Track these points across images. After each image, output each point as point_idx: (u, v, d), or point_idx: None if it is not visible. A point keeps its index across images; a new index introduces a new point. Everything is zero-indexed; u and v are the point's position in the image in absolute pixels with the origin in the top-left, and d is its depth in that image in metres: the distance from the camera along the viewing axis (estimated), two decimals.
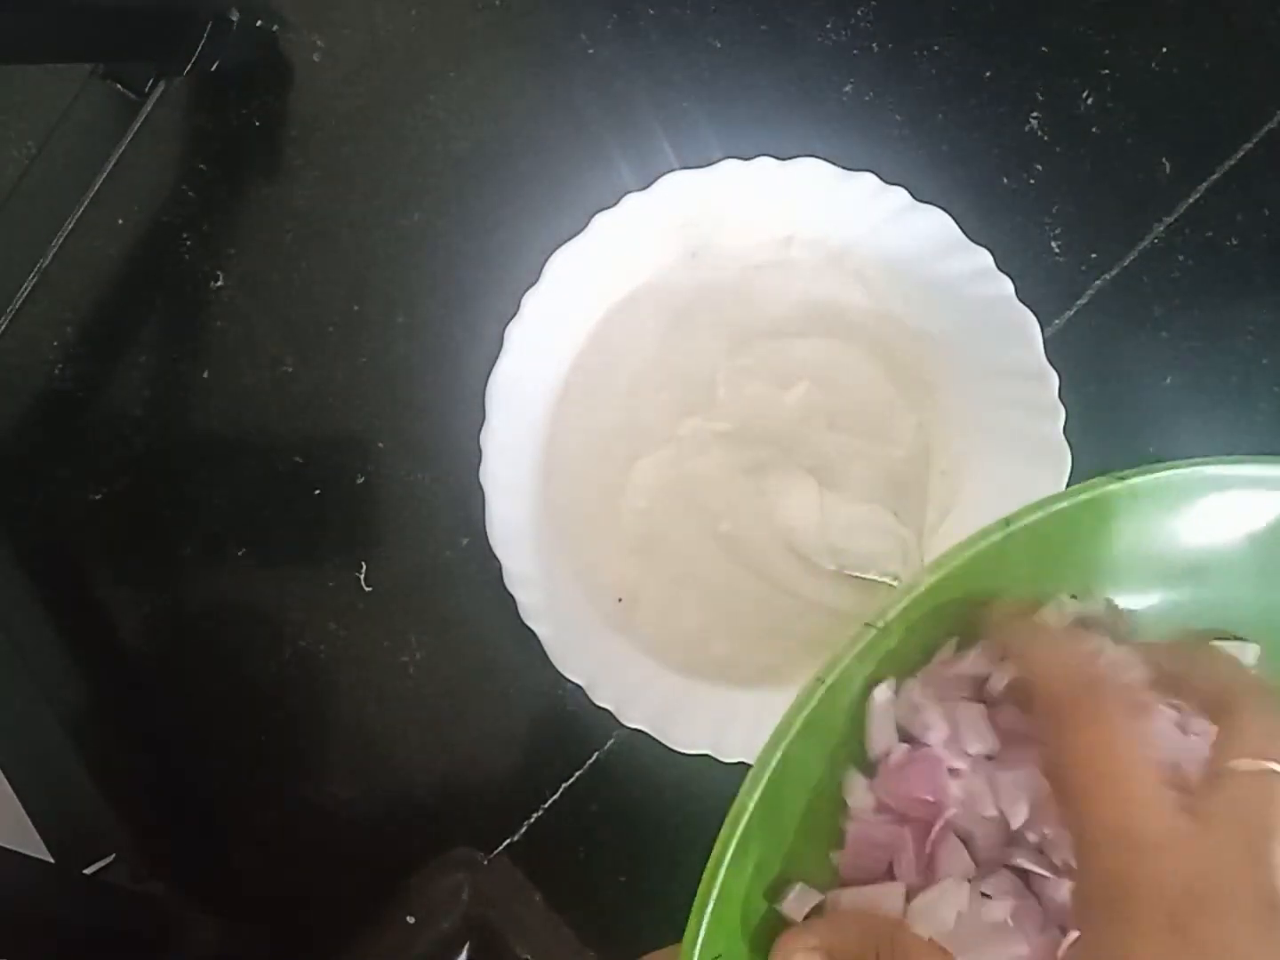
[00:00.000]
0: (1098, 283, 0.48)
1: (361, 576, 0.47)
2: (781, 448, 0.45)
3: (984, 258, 0.42)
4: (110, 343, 0.49)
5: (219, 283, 0.49)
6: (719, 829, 0.25)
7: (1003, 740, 0.27)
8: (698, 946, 0.24)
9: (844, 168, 0.42)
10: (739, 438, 0.45)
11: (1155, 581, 0.29)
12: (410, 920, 0.42)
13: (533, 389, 0.43)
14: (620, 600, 0.44)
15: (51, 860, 0.44)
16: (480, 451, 0.41)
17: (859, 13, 0.49)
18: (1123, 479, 0.27)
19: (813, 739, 0.26)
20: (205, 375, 0.49)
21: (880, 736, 0.27)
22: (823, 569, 0.44)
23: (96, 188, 0.44)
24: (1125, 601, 0.28)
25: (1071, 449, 0.41)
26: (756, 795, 0.25)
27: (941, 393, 0.45)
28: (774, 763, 0.25)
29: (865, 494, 0.45)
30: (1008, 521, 0.26)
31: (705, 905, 0.24)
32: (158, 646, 0.48)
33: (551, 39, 0.50)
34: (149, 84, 0.45)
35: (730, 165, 0.42)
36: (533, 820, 0.45)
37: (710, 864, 0.24)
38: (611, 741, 0.45)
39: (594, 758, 0.46)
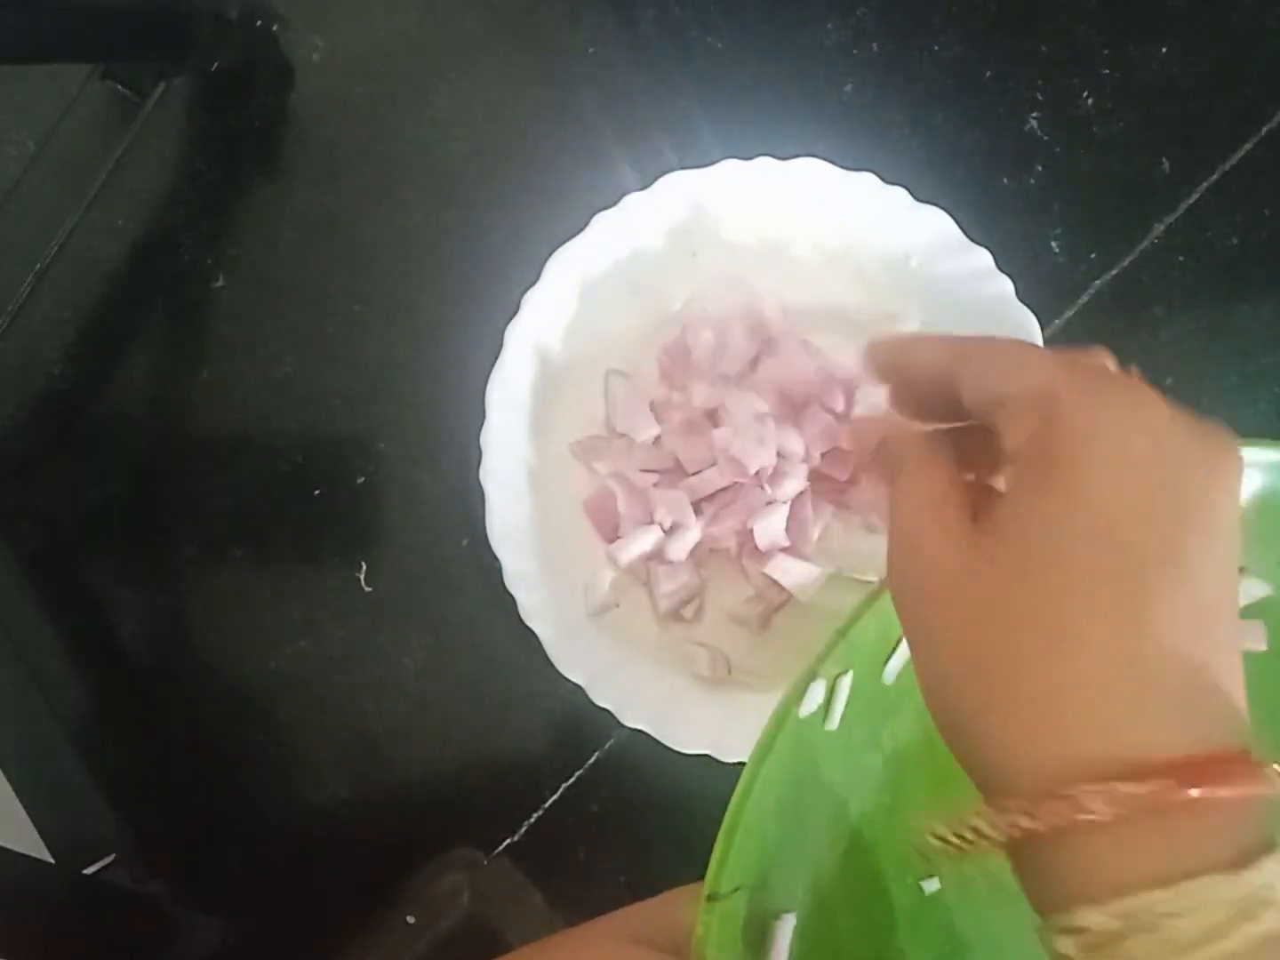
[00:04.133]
0: (1098, 283, 0.48)
1: (361, 576, 0.47)
2: None
3: (984, 258, 0.42)
4: (110, 343, 0.49)
5: (219, 283, 0.49)
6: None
7: None
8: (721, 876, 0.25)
9: (844, 168, 0.42)
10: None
11: None
12: (410, 920, 0.42)
13: (533, 389, 0.43)
14: (619, 604, 0.44)
15: (51, 860, 0.44)
16: (480, 451, 0.41)
17: (859, 13, 0.49)
18: None
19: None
20: (205, 375, 0.49)
21: None
22: (822, 569, 0.44)
23: (96, 188, 0.44)
24: None
25: None
26: (781, 733, 0.25)
27: None
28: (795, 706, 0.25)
29: (864, 494, 0.45)
30: None
31: (731, 834, 0.25)
32: (158, 646, 0.48)
33: (551, 39, 0.50)
34: (149, 84, 0.45)
35: (730, 165, 0.42)
36: (533, 820, 0.45)
37: (736, 796, 0.25)
38: (611, 741, 0.45)
39: (594, 758, 0.46)
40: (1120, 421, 0.21)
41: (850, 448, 0.43)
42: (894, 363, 0.26)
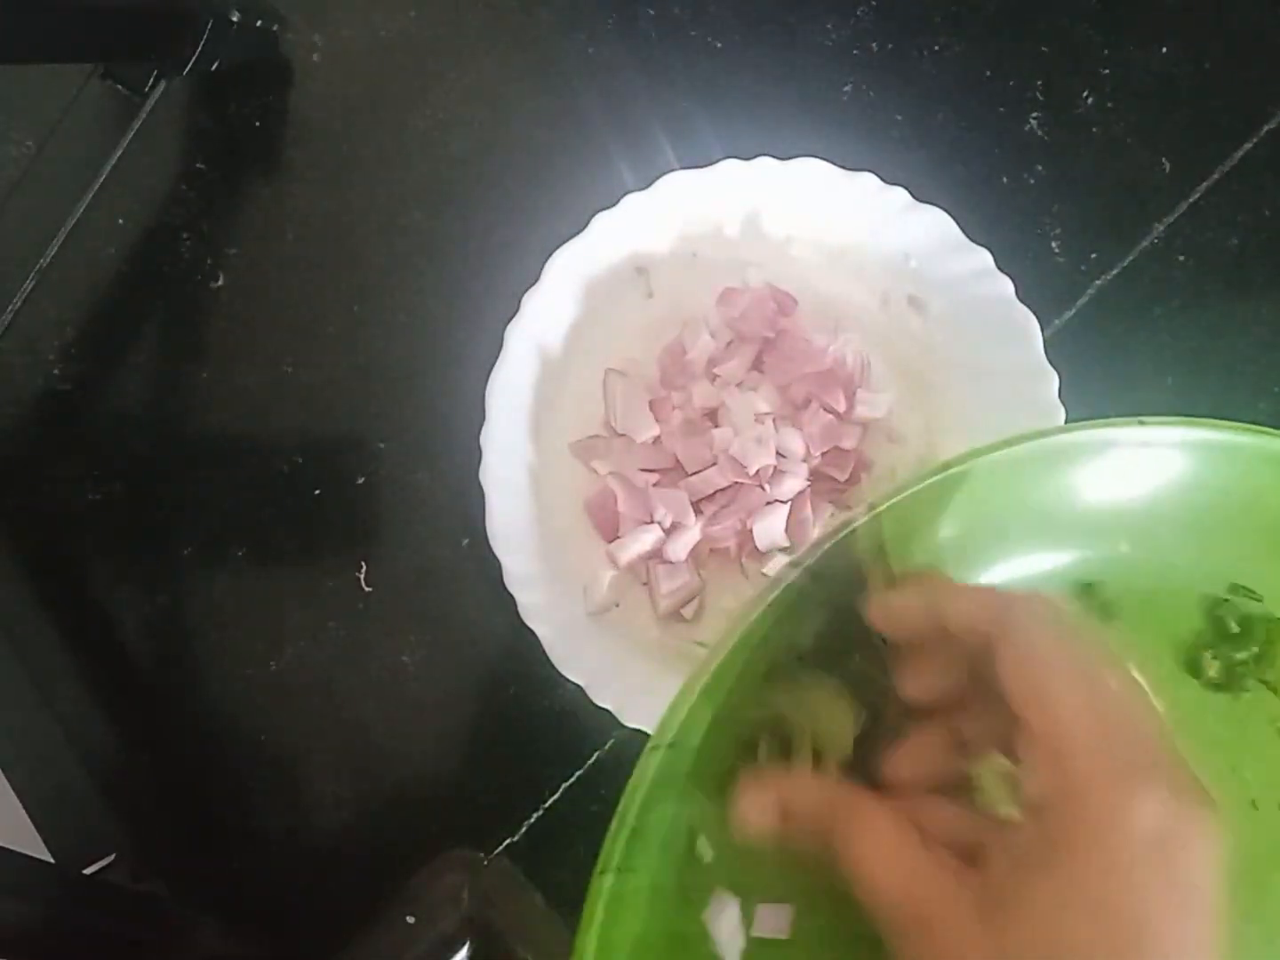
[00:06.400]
0: (1098, 283, 0.48)
1: (361, 576, 0.47)
2: None
3: (984, 258, 0.42)
4: (110, 343, 0.49)
5: (219, 283, 0.49)
6: None
7: None
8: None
9: (844, 168, 0.42)
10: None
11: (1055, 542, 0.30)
12: (410, 920, 0.42)
13: (533, 389, 0.43)
14: (619, 604, 0.44)
15: (51, 860, 0.44)
16: (480, 451, 0.41)
17: (859, 13, 0.49)
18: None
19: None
20: (205, 375, 0.49)
21: None
22: None
23: (96, 188, 0.44)
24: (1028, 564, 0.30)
25: None
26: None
27: (942, 392, 0.45)
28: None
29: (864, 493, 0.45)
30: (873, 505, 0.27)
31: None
32: (158, 646, 0.48)
33: (551, 39, 0.50)
34: (149, 84, 0.45)
35: (730, 165, 0.42)
36: (533, 820, 0.45)
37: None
38: (611, 741, 0.45)
39: (594, 758, 0.46)
40: (1128, 809, 0.22)
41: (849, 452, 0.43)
42: (926, 606, 0.26)
